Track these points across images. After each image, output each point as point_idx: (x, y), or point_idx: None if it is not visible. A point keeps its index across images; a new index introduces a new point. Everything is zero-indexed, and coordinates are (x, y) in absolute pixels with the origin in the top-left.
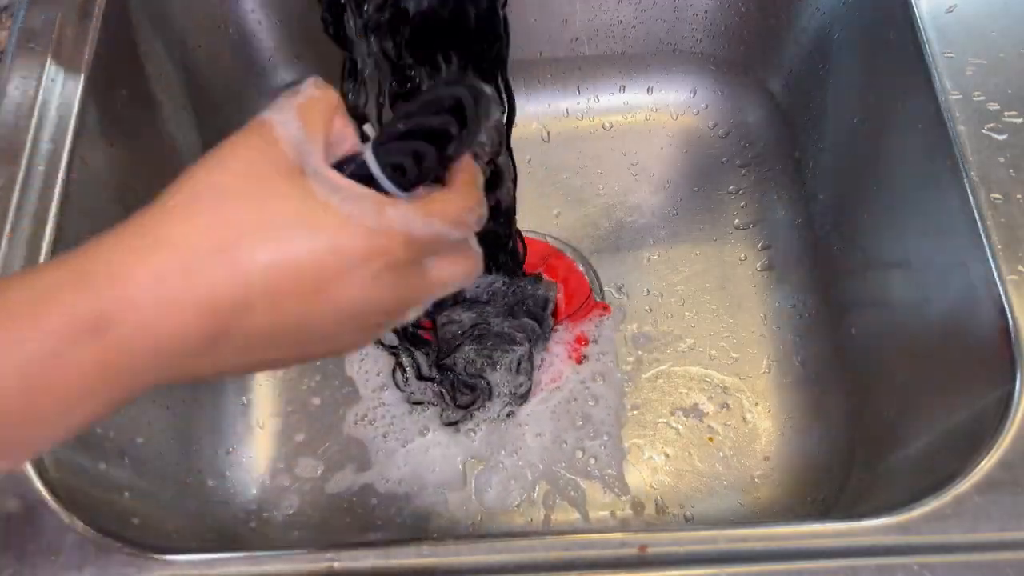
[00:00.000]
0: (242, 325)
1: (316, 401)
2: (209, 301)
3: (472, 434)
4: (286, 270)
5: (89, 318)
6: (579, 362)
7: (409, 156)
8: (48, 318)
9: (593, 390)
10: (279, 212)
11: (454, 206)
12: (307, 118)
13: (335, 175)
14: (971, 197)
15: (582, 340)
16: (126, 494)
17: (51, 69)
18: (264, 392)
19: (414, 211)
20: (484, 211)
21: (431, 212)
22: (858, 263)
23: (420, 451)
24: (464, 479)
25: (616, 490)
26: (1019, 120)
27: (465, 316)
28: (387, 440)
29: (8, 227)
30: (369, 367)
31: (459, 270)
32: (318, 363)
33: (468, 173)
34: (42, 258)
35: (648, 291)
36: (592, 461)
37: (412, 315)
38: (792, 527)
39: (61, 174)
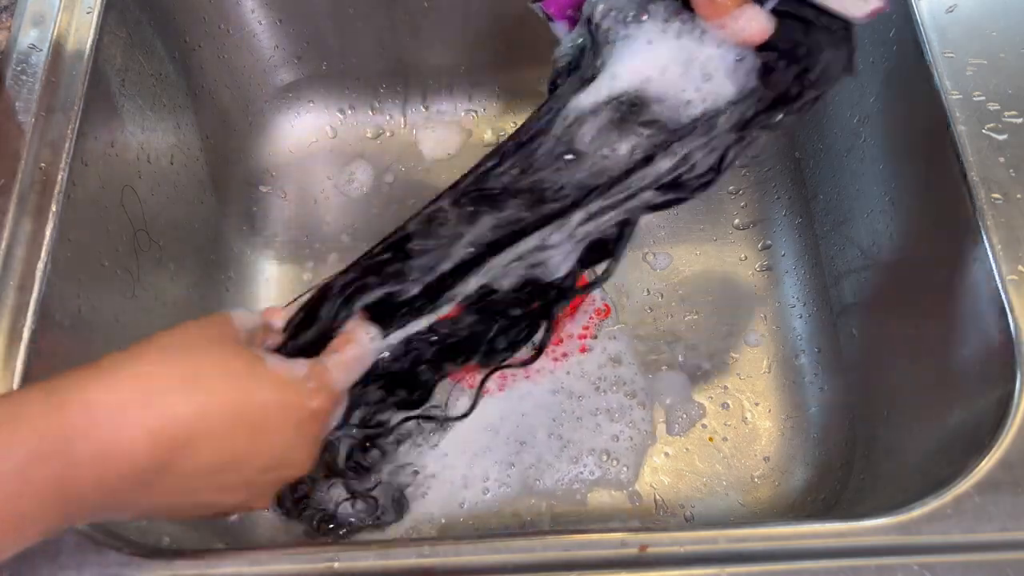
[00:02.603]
0: (187, 457)
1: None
2: (162, 430)
3: (472, 434)
4: (237, 410)
5: (55, 440)
6: (563, 359)
7: None
8: (18, 435)
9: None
10: (232, 364)
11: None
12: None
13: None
14: (971, 197)
15: (584, 343)
16: None
17: (51, 69)
18: None
19: (334, 365)
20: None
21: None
22: (858, 263)
23: (419, 449)
24: (464, 479)
25: (617, 490)
26: (1019, 120)
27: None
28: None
29: (8, 227)
30: None
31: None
32: None
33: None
34: (41, 258)
35: (648, 291)
36: (592, 461)
37: (310, 464)
38: (792, 527)
39: (61, 174)
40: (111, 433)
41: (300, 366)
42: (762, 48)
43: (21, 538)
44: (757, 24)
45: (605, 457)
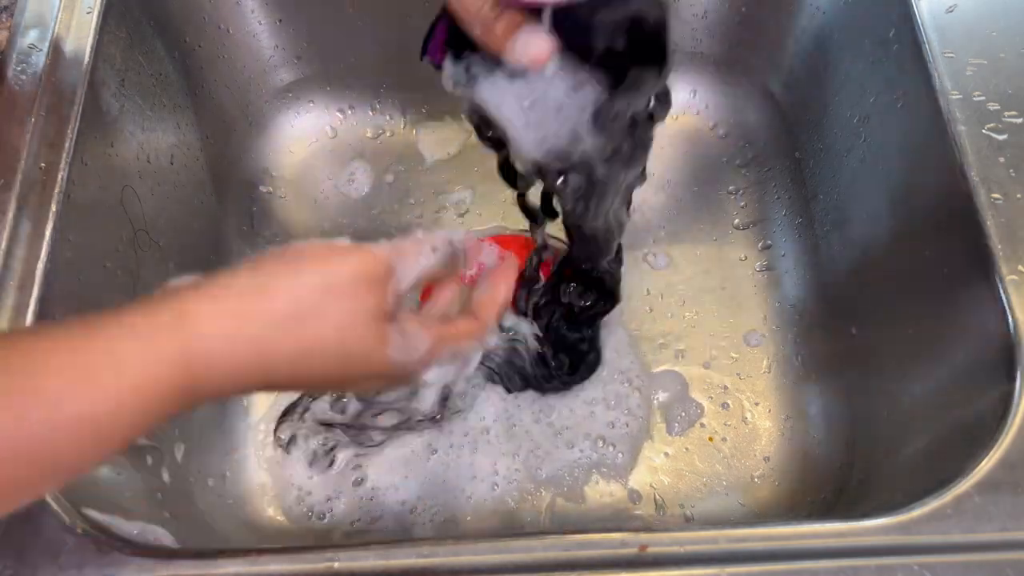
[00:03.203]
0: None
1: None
2: (258, 354)
3: (471, 433)
4: (334, 364)
5: (178, 351)
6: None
7: None
8: (151, 351)
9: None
10: (353, 349)
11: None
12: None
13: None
14: (971, 197)
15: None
16: (127, 494)
17: (51, 69)
18: (264, 393)
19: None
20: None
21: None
22: (858, 263)
23: (418, 450)
24: (463, 476)
25: (616, 489)
26: (1019, 120)
27: None
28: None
29: (8, 227)
30: None
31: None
32: None
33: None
34: (41, 258)
35: (648, 291)
36: (592, 460)
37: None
38: (792, 527)
39: (61, 174)
40: (217, 345)
41: (417, 349)
42: (576, 50)
43: (142, 430)
44: (535, 46)
45: (601, 443)
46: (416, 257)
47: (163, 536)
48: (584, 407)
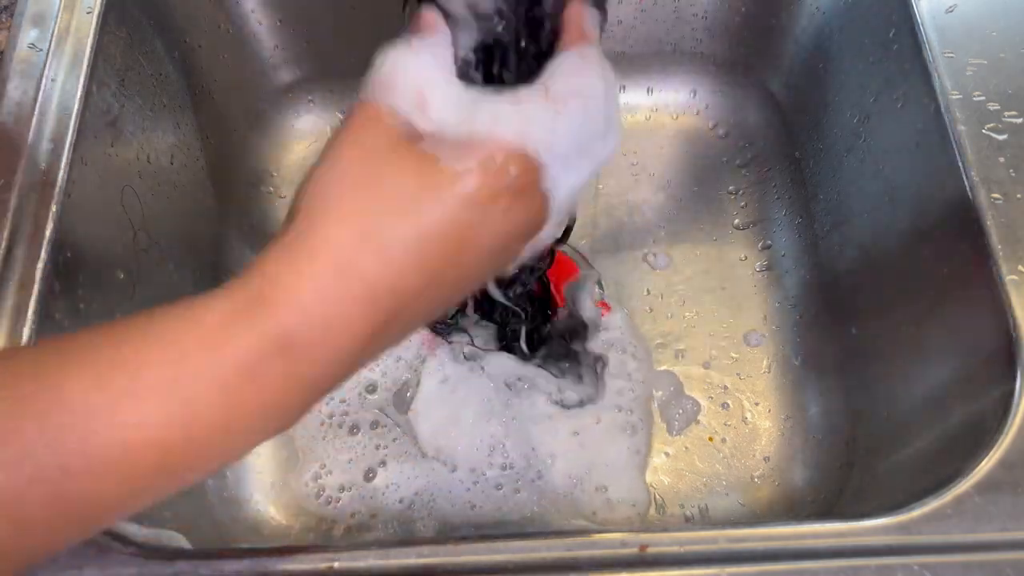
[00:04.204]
0: (405, 304)
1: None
2: (368, 295)
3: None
4: (430, 241)
5: (274, 338)
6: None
7: None
8: (240, 340)
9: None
10: (403, 189)
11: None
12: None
13: (432, 134)
14: (971, 197)
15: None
16: None
17: (51, 69)
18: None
19: (510, 107)
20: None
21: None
22: (858, 263)
23: (419, 453)
24: (464, 476)
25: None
26: (1019, 120)
27: None
28: (390, 444)
29: (8, 227)
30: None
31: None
32: None
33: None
34: (41, 258)
35: (648, 291)
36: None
37: (546, 233)
38: (792, 527)
39: (61, 174)
40: (322, 317)
41: (475, 144)
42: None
43: (262, 435)
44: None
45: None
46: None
47: (166, 536)
48: (584, 407)
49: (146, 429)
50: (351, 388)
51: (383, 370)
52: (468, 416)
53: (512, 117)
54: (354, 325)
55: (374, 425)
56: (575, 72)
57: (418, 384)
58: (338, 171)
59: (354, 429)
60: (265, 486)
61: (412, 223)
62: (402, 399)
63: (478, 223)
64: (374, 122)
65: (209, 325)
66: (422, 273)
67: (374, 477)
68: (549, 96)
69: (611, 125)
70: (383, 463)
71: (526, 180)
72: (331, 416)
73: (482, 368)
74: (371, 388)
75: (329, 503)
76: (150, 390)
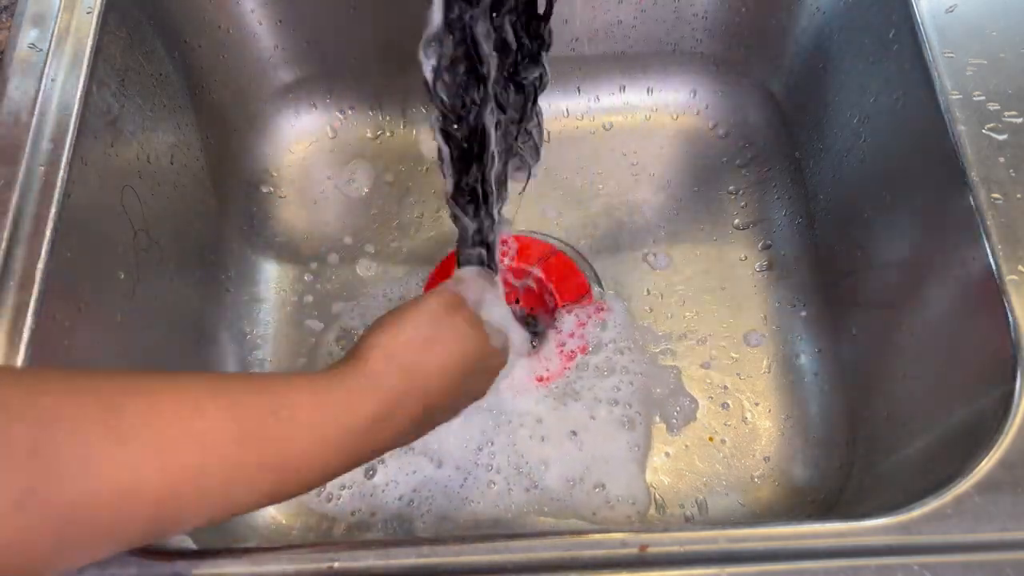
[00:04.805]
0: (443, 402)
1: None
2: (422, 391)
3: (469, 433)
4: (466, 359)
5: (379, 410)
6: (572, 358)
7: None
8: (371, 402)
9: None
10: (457, 329)
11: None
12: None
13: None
14: (971, 197)
15: (584, 349)
16: None
17: (51, 69)
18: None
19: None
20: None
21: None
22: (858, 263)
23: (418, 453)
24: (464, 476)
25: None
26: (1019, 120)
27: None
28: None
29: (8, 227)
30: None
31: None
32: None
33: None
34: (41, 258)
35: (648, 291)
36: (592, 459)
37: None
38: (792, 527)
39: (61, 174)
40: (389, 405)
41: (502, 333)
42: None
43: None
44: None
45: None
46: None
47: (175, 539)
48: (584, 407)
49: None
50: None
51: None
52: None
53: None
54: (415, 408)
55: None
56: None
57: None
58: (392, 321)
59: None
60: None
61: (458, 348)
62: None
63: (482, 368)
64: (460, 306)
65: (354, 388)
66: (450, 387)
67: (374, 475)
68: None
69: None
70: (382, 460)
71: (501, 363)
72: None
73: None
74: None
75: (330, 500)
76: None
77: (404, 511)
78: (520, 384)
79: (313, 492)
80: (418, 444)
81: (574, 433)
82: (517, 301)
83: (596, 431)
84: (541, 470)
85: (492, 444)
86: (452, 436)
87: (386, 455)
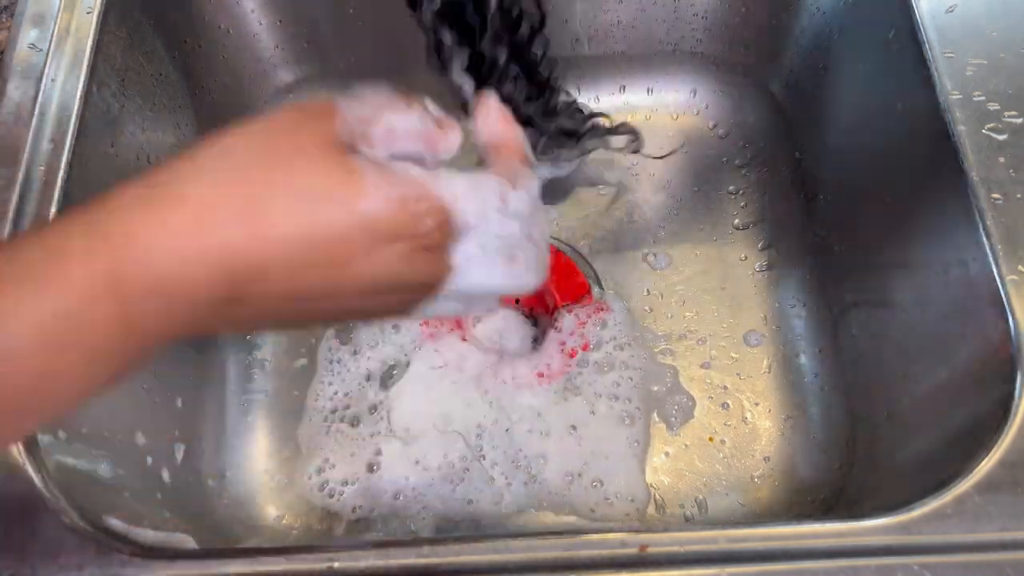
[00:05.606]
0: (257, 289)
1: (316, 402)
2: (223, 263)
3: (471, 431)
4: (311, 242)
5: (106, 277)
6: (573, 356)
7: None
8: (65, 277)
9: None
10: (311, 182)
11: (498, 172)
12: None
13: (385, 160)
14: (971, 197)
15: (585, 347)
16: (126, 494)
17: (51, 69)
18: (264, 392)
19: (462, 179)
20: (530, 180)
21: (478, 179)
22: (858, 263)
23: (419, 452)
24: (464, 475)
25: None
26: (1019, 120)
27: None
28: (390, 443)
29: (8, 227)
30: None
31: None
32: (318, 369)
33: (511, 148)
34: None
35: (648, 291)
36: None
37: (443, 298)
38: (792, 527)
39: (61, 174)
40: (164, 267)
41: (406, 182)
42: None
43: (92, 382)
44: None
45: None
46: (381, 106)
47: (177, 540)
48: (584, 406)
49: None
50: (352, 380)
51: (382, 359)
52: (457, 404)
53: (459, 183)
54: (197, 288)
55: (372, 412)
56: (535, 201)
57: (407, 366)
58: (252, 140)
59: (355, 421)
60: (266, 485)
61: (300, 217)
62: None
63: (369, 252)
64: (319, 116)
65: (33, 259)
66: (290, 271)
67: (377, 469)
68: (503, 195)
69: (539, 266)
70: (381, 452)
71: (436, 239)
72: (334, 411)
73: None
74: (369, 377)
75: (332, 496)
76: None
77: (400, 506)
78: (521, 379)
79: (315, 487)
80: (417, 436)
81: (573, 428)
82: (517, 301)
83: (596, 426)
84: (540, 464)
85: (491, 437)
86: (451, 429)
87: (384, 448)
